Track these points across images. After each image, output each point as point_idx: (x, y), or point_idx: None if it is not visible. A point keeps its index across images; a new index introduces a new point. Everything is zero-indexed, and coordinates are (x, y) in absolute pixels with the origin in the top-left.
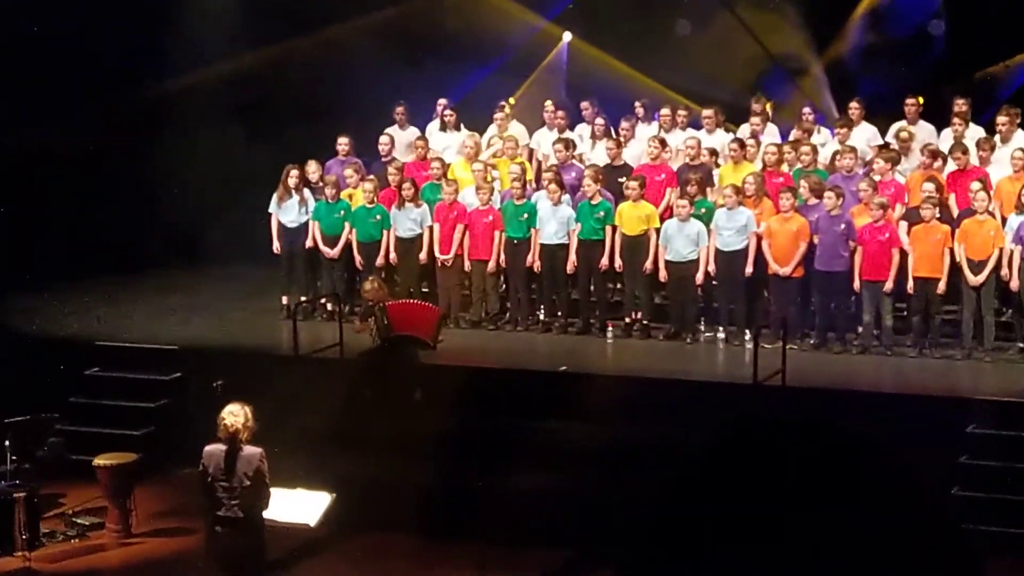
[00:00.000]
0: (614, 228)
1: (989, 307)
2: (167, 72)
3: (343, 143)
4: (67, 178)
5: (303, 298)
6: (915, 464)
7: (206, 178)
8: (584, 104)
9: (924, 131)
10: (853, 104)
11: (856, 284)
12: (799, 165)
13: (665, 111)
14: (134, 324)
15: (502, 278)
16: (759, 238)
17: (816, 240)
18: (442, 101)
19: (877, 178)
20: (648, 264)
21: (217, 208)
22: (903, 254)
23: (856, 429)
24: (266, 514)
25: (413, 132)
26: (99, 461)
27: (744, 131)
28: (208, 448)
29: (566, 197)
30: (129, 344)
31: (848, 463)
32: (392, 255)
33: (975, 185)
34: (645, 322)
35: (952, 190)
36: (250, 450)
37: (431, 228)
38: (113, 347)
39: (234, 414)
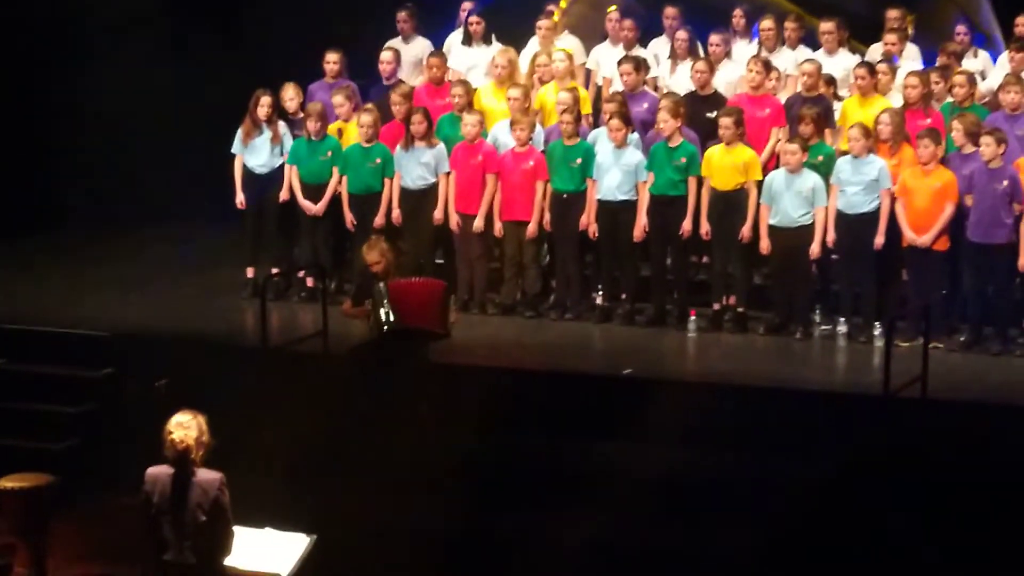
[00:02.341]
0: (700, 180)
1: None
2: None
3: (332, 60)
4: None
5: (275, 270)
6: None
7: (144, 109)
8: (668, 12)
9: None
10: (1021, 19)
11: (1022, 262)
12: (949, 99)
13: (768, 23)
14: (51, 302)
15: (546, 247)
16: (894, 198)
17: (969, 202)
18: (467, 4)
19: None
20: (746, 231)
21: (160, 149)
22: None
23: (1022, 457)
24: (227, 561)
25: (423, 45)
26: (3, 484)
27: (875, 52)
28: (152, 471)
29: (634, 137)
30: (45, 328)
31: (1013, 502)
32: (395, 212)
33: None
34: (740, 310)
35: None
36: (206, 475)
37: (449, 176)
38: (23, 332)
39: (184, 426)
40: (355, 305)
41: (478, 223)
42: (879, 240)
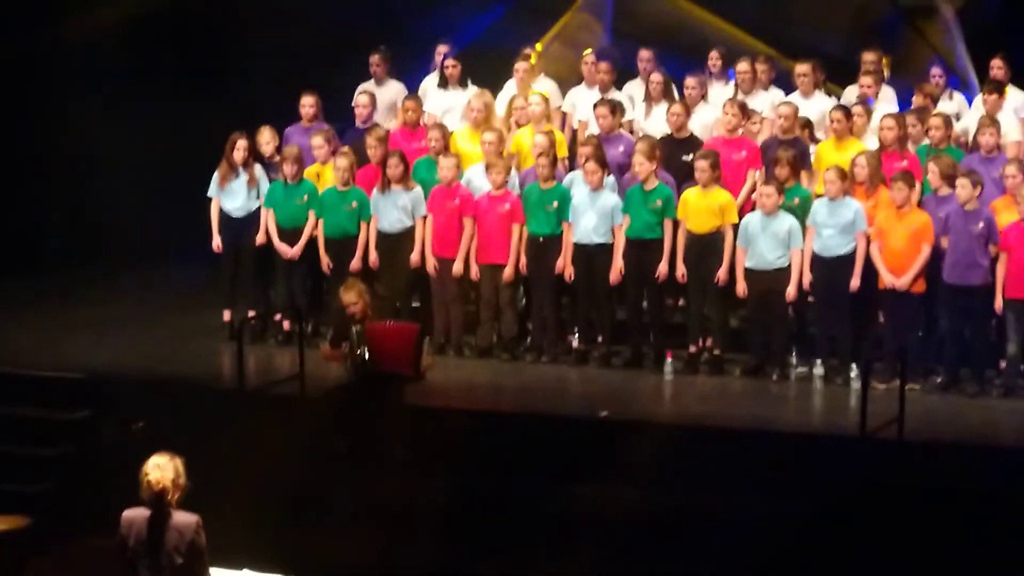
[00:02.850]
0: (676, 223)
1: None
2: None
3: (308, 103)
4: None
5: (252, 313)
6: None
7: (124, 151)
8: (642, 55)
9: None
10: (996, 61)
11: (998, 303)
12: (926, 141)
13: (743, 66)
14: (27, 344)
15: (522, 290)
16: (870, 240)
17: (945, 244)
18: (442, 47)
19: None
20: (722, 273)
21: (138, 191)
22: None
23: (999, 498)
24: None
25: (397, 88)
26: None
27: (851, 94)
28: (128, 514)
29: (610, 180)
30: (20, 372)
31: (990, 544)
32: (372, 255)
33: None
34: (717, 352)
35: None
36: (183, 517)
37: (425, 219)
38: None
39: (161, 468)
40: (333, 348)
41: (456, 266)
42: (855, 282)
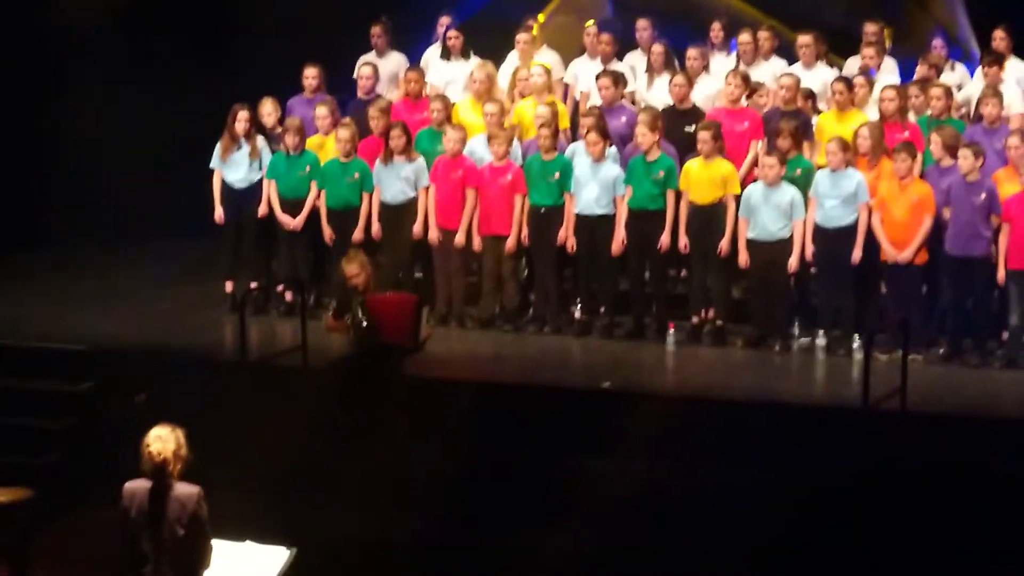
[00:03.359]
0: (678, 194)
1: None
2: None
3: (311, 75)
4: None
5: (254, 284)
6: None
7: (124, 123)
8: (640, 24)
9: None
10: (999, 32)
11: (1001, 275)
12: (928, 112)
13: (745, 37)
14: (30, 316)
15: (524, 261)
16: (872, 212)
17: (947, 215)
18: (444, 19)
19: None
20: (724, 244)
21: (140, 163)
22: None
23: (1002, 471)
24: (207, 574)
25: (398, 59)
26: None
27: (853, 66)
28: (129, 485)
29: (612, 151)
30: (24, 344)
31: (992, 517)
32: (375, 227)
33: None
34: (719, 323)
35: None
36: (184, 489)
37: (428, 190)
38: (2, 347)
39: (162, 439)
40: (336, 319)
41: (459, 238)
42: (856, 254)
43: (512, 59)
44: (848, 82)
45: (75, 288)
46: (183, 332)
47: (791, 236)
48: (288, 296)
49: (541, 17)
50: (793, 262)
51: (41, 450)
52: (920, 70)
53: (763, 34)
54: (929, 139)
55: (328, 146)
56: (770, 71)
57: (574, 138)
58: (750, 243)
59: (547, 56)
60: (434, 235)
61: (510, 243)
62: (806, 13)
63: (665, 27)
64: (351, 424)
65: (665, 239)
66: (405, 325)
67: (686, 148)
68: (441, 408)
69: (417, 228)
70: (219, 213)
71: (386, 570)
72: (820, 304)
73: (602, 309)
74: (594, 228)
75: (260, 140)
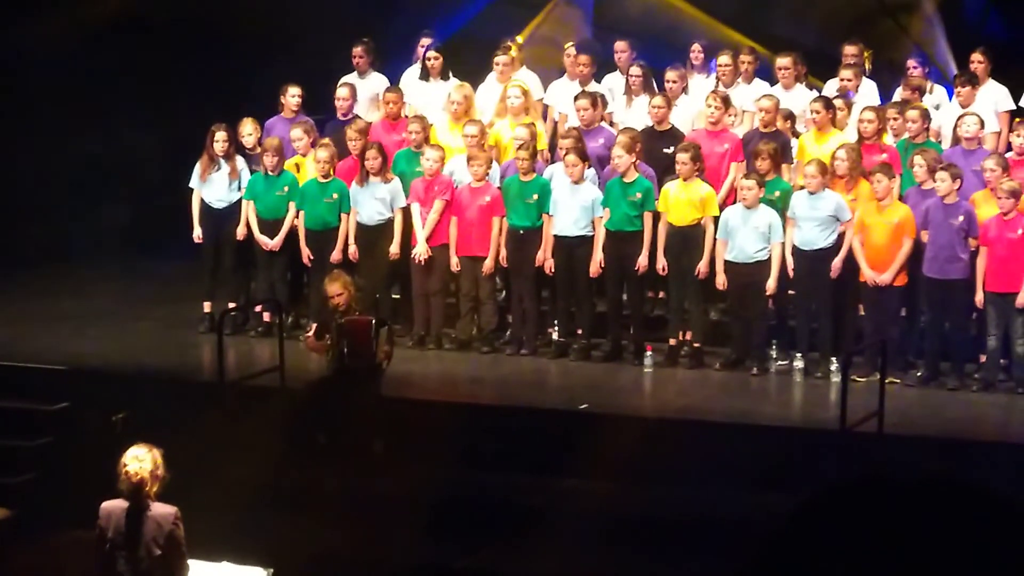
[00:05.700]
0: (656, 216)
1: None
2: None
3: (294, 94)
4: None
5: (232, 305)
6: None
7: (104, 143)
8: (618, 46)
9: None
10: (976, 55)
11: (979, 297)
12: (906, 135)
13: (724, 58)
14: (6, 336)
15: (501, 282)
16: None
17: (925, 237)
18: (425, 39)
19: (1009, 155)
20: (702, 266)
21: (117, 183)
22: None
23: (978, 493)
24: None
25: (379, 80)
26: None
27: (832, 88)
28: (106, 505)
29: (591, 173)
30: (0, 363)
31: (972, 542)
32: (352, 248)
33: None
34: (696, 345)
35: None
36: (161, 509)
37: (405, 211)
38: None
39: (140, 459)
40: (317, 339)
41: (434, 258)
42: (837, 266)
43: (491, 80)
44: (827, 103)
45: (51, 307)
46: (161, 352)
47: (769, 258)
48: (266, 316)
49: (520, 38)
50: (771, 284)
51: (18, 470)
52: (904, 92)
53: (745, 57)
54: (911, 161)
55: (306, 167)
56: (749, 94)
57: (552, 159)
58: (728, 265)
59: (526, 77)
60: (423, 249)
61: (488, 264)
62: (786, 35)
63: (644, 49)
64: (328, 444)
65: (643, 261)
66: (366, 345)
67: (664, 170)
68: (418, 429)
69: (395, 249)
70: (198, 233)
71: None
72: (798, 326)
73: (579, 331)
74: (572, 250)
75: (239, 160)
